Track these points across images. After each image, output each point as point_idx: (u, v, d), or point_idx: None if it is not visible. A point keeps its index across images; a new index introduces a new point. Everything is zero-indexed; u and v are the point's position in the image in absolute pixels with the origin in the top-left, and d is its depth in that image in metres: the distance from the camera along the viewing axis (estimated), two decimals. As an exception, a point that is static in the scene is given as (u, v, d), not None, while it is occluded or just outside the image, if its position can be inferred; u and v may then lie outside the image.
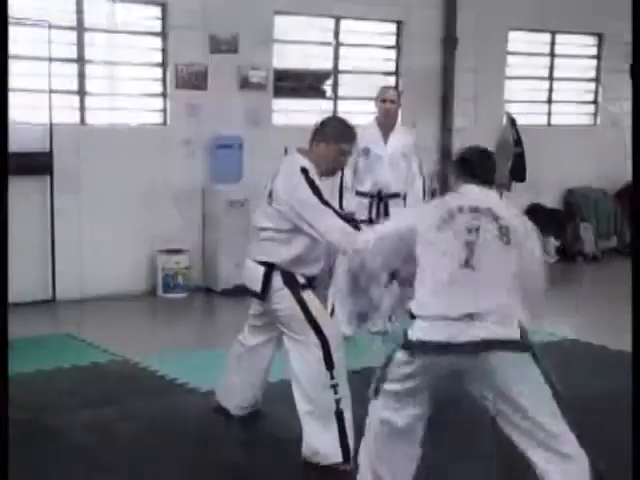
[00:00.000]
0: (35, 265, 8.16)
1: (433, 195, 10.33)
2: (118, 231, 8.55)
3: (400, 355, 3.57)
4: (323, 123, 4.68)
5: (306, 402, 4.54)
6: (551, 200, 11.46)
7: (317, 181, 4.48)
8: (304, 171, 4.48)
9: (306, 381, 4.53)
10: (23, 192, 8.04)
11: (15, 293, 7.79)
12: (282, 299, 4.59)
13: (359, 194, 7.02)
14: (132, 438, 4.90)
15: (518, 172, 10.96)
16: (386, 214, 6.89)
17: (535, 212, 11.30)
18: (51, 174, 8.16)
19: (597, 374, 6.28)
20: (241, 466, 4.59)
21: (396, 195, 7.06)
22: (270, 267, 4.59)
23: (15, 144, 7.65)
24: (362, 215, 6.73)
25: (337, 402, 4.47)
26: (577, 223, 11.46)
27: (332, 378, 4.48)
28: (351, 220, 4.63)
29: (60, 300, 8.25)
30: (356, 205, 6.88)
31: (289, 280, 4.58)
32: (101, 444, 4.81)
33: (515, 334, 3.52)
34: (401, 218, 4.11)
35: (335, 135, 4.57)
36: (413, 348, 3.51)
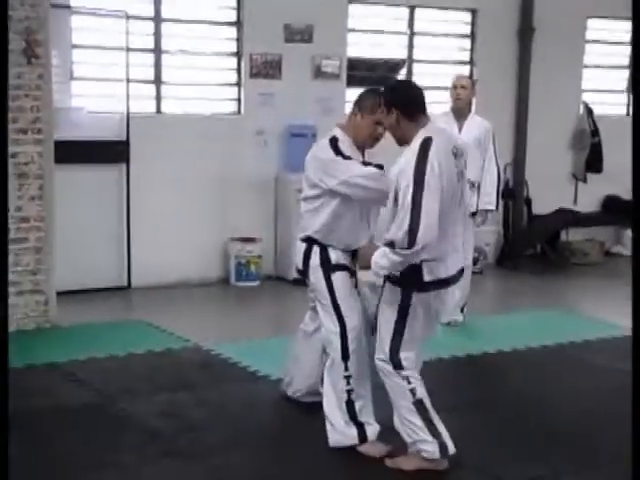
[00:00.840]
0: (111, 252, 8.30)
1: (507, 185, 10.28)
2: (192, 219, 8.66)
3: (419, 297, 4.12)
4: (361, 95, 4.71)
5: (326, 387, 4.66)
6: (628, 192, 11.18)
7: (344, 148, 4.54)
8: (332, 139, 4.60)
9: (326, 367, 4.66)
10: (100, 180, 8.21)
11: (91, 279, 8.07)
12: (317, 279, 4.67)
13: None
14: (204, 424, 4.96)
15: (594, 163, 10.78)
16: None
17: (611, 204, 11.14)
18: (127, 162, 8.28)
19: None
20: (311, 452, 4.61)
21: (470, 184, 6.96)
22: (310, 244, 4.68)
23: (93, 132, 7.94)
24: None
25: (348, 393, 4.55)
26: (655, 215, 11.22)
27: (346, 369, 4.54)
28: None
29: (135, 287, 8.39)
30: None
31: (324, 259, 4.63)
32: (174, 429, 4.87)
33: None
34: (434, 189, 3.94)
35: (371, 106, 4.56)
36: (431, 286, 4.10)
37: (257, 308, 8.12)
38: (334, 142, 4.59)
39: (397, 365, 4.21)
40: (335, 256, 4.65)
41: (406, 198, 3.89)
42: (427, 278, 4.07)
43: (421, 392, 4.24)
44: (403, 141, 4.14)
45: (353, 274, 4.73)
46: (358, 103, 4.65)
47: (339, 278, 4.63)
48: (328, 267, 4.63)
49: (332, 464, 4.51)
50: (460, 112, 7.10)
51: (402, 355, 4.21)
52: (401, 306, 4.16)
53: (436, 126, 4.20)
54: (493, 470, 4.40)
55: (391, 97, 4.18)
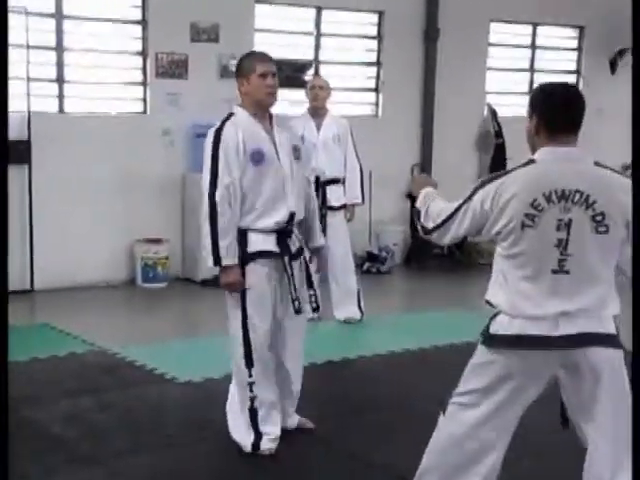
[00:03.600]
0: (13, 254, 8.07)
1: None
2: (97, 220, 8.51)
3: (485, 354, 3.33)
4: (237, 64, 4.64)
5: (232, 389, 4.64)
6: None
7: (230, 132, 4.39)
8: (225, 118, 4.48)
9: (233, 371, 4.62)
10: (1, 181, 7.99)
11: (-8, 282, 7.83)
12: None
13: None
14: (111, 428, 4.89)
15: (499, 163, 10.95)
16: (324, 200, 7.11)
17: (515, 204, 11.34)
18: (29, 163, 8.10)
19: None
20: (218, 455, 4.58)
21: (334, 181, 7.25)
22: None
23: (-8, 132, 7.72)
24: None
25: (251, 400, 4.51)
26: (557, 215, 11.48)
27: (250, 376, 4.48)
28: None
29: (38, 290, 8.21)
30: None
31: (241, 246, 4.41)
32: (80, 435, 4.79)
33: (612, 329, 3.21)
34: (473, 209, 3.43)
35: (247, 65, 4.50)
36: (503, 343, 3.26)
37: (164, 310, 8.03)
38: (222, 123, 4.45)
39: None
40: (254, 239, 4.44)
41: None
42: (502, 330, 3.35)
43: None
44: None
45: (281, 257, 4.47)
46: (238, 73, 4.55)
47: (254, 275, 4.43)
48: (243, 256, 4.41)
49: (238, 466, 4.48)
50: (318, 112, 7.32)
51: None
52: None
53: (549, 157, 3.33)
54: (399, 468, 4.42)
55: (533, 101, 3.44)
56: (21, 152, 8.00)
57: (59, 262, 8.34)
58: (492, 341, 3.31)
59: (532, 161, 3.32)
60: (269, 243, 4.47)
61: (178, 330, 7.30)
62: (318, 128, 7.23)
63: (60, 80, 8.39)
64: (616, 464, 3.23)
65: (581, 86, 11.69)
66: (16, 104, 7.96)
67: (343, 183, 7.31)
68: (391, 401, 5.46)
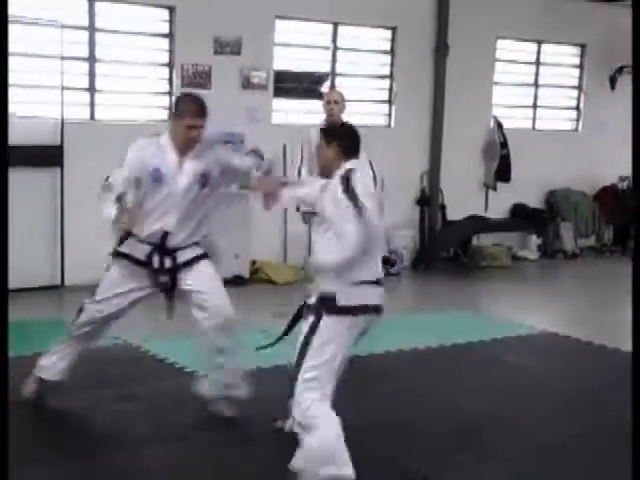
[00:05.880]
0: (46, 252, 8.13)
1: (423, 193, 10.39)
2: (124, 221, 8.51)
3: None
4: (176, 99, 4.76)
5: None
6: (534, 200, 11.44)
7: (140, 150, 4.63)
8: (150, 135, 4.70)
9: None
10: (35, 182, 8.02)
11: (26, 278, 7.86)
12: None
13: None
14: (133, 417, 4.88)
15: (503, 173, 10.94)
16: None
17: (519, 211, 11.32)
18: (62, 166, 8.12)
19: (570, 363, 6.31)
20: (236, 445, 4.56)
21: None
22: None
23: (28, 137, 7.75)
24: None
25: None
26: (558, 223, 11.46)
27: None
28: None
29: (68, 285, 8.22)
30: None
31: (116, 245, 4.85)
32: (103, 423, 4.79)
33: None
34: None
35: (182, 110, 4.57)
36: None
37: (185, 306, 7.99)
38: (149, 137, 4.66)
39: None
40: (129, 242, 4.81)
41: None
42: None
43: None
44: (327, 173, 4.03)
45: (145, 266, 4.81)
46: (174, 108, 4.65)
47: (115, 268, 4.98)
48: (115, 250, 4.82)
49: (253, 456, 4.46)
50: (332, 123, 7.20)
51: None
52: None
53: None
54: (405, 465, 4.41)
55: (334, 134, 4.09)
56: (54, 156, 8.03)
57: (88, 259, 8.30)
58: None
59: (352, 170, 3.94)
60: (138, 251, 4.77)
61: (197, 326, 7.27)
62: None
63: (92, 89, 8.41)
64: None
65: (582, 101, 11.65)
66: (50, 111, 8.01)
67: None
68: (401, 396, 5.44)
